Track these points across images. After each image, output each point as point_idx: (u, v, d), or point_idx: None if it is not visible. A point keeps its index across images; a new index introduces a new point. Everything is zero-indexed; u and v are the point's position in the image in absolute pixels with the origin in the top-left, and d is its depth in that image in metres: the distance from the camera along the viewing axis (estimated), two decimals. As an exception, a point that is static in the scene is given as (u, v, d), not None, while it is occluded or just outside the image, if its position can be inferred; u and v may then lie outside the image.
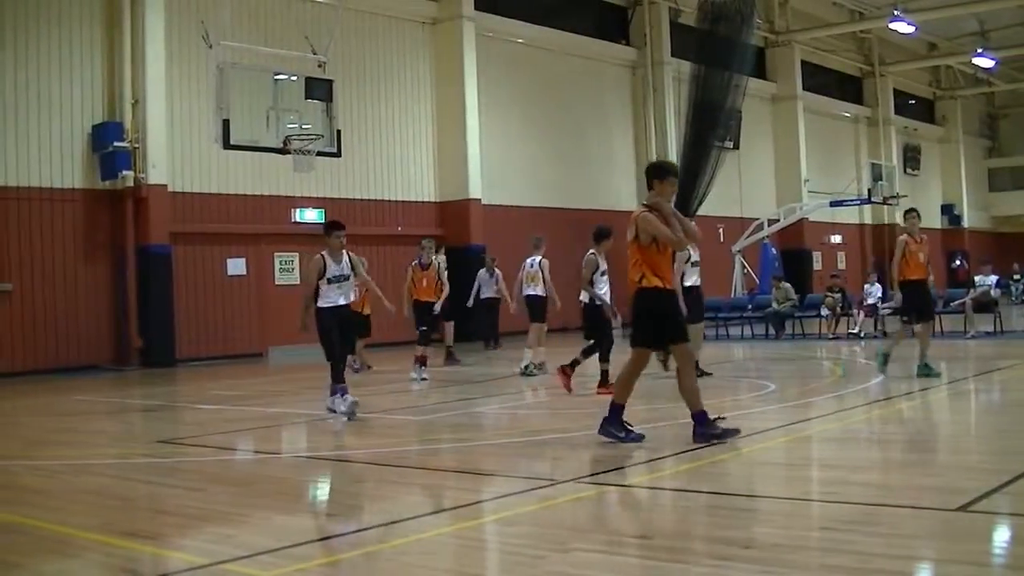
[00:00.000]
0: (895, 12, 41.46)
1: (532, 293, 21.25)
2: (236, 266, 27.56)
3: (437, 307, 21.39)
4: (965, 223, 61.08)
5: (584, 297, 16.85)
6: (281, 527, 7.73)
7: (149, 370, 24.69)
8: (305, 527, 7.71)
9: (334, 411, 13.68)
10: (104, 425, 15.30)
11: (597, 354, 16.56)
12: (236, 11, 25.29)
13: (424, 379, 19.58)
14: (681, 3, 39.57)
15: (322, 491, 9.79)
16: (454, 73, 32.52)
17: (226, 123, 21.93)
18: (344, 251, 14.13)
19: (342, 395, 13.71)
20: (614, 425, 10.59)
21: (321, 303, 13.85)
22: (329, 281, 13.81)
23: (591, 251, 16.67)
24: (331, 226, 14.29)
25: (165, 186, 25.81)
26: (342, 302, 14.04)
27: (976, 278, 28.69)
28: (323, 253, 13.95)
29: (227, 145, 22.32)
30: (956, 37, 52.74)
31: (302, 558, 6.76)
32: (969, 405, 14.84)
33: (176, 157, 26.42)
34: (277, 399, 17.49)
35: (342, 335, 14.21)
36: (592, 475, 9.11)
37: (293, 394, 18.44)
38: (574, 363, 16.60)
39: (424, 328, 20.54)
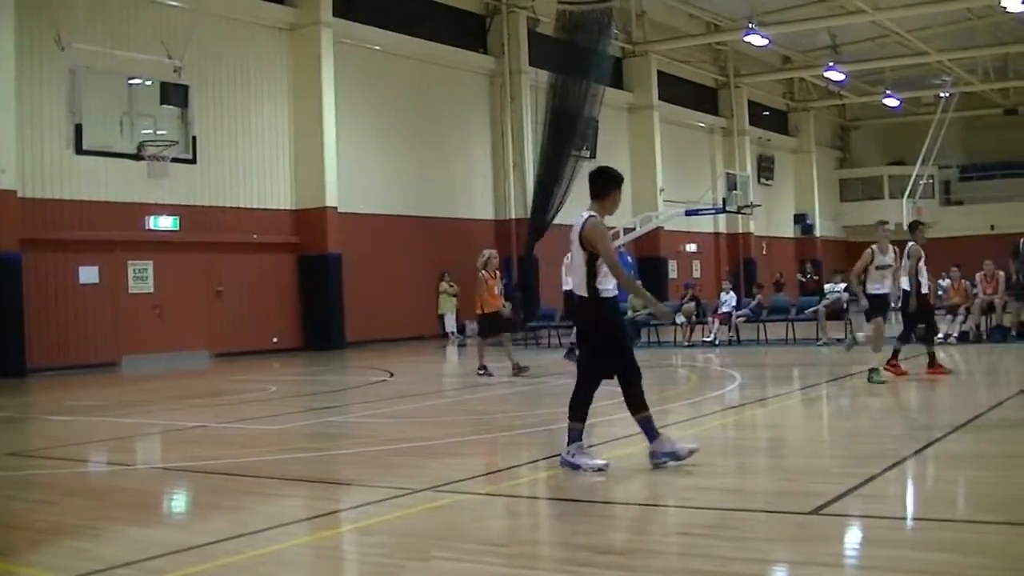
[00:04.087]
0: (750, 25, 42.06)
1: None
2: (89, 274, 26.96)
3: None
4: (817, 232, 62.27)
5: (906, 284, 16.84)
6: (136, 540, 7.62)
7: (-2, 380, 24.12)
8: (161, 539, 7.60)
9: (577, 466, 9.47)
10: (-49, 437, 14.91)
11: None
12: (89, 13, 24.81)
13: None
14: (539, 13, 39.78)
15: (178, 502, 9.66)
16: (312, 80, 32.26)
17: (79, 128, 21.59)
18: None
19: (580, 443, 9.64)
20: None
21: (604, 290, 9.66)
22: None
23: (911, 242, 16.84)
24: (616, 179, 9.98)
25: (14, 192, 25.08)
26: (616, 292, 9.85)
27: (826, 286, 29.31)
28: (594, 213, 9.73)
29: (80, 150, 21.97)
30: (809, 51, 53.69)
31: (158, 571, 6.68)
32: (821, 411, 15.15)
33: (26, 162, 25.70)
34: (131, 409, 17.15)
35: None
36: (450, 483, 9.12)
37: (148, 404, 18.13)
38: (895, 353, 16.89)
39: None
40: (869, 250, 16.56)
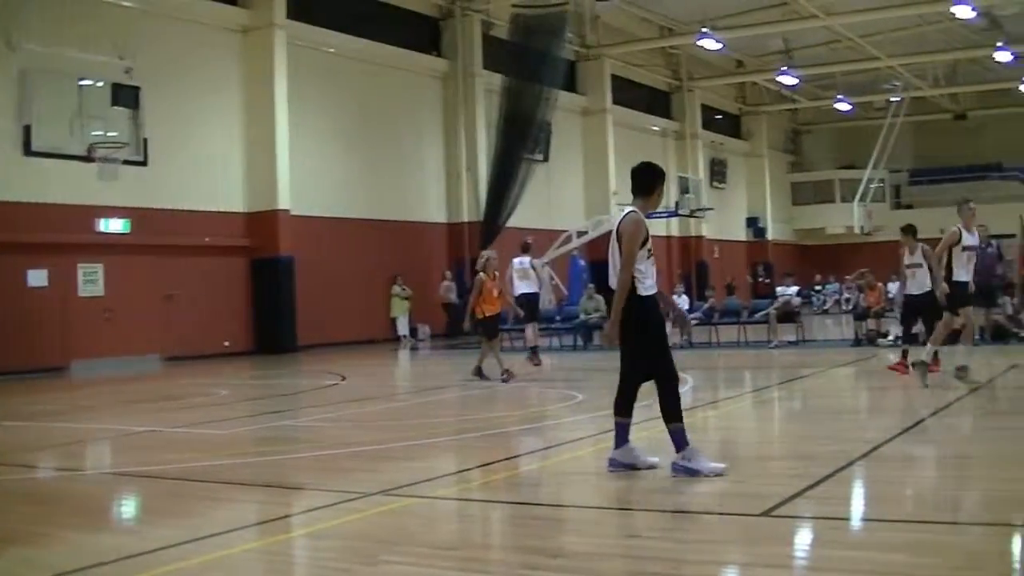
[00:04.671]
0: (703, 29, 42.28)
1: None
2: (37, 277, 26.65)
3: None
4: (769, 235, 62.64)
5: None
6: (85, 546, 7.56)
7: (-54, 384, 23.85)
8: (110, 545, 7.54)
9: (697, 471, 9.08)
10: (-103, 442, 14.75)
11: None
12: (40, 14, 24.59)
13: None
14: (493, 16, 39.80)
15: (127, 508, 9.59)
16: (265, 82, 32.13)
17: (27, 129, 21.43)
18: None
19: (688, 445, 9.24)
20: None
21: (644, 288, 9.39)
22: (650, 253, 9.58)
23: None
24: (660, 174, 9.86)
25: (-40, 194, 24.87)
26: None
27: (778, 289, 29.50)
28: (635, 209, 9.58)
29: (29, 151, 21.79)
30: (762, 55, 53.99)
31: (106, 577, 6.64)
32: (772, 413, 15.22)
33: (-27, 164, 25.47)
34: (82, 414, 17.06)
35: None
36: (401, 487, 9.09)
37: (98, 408, 18.02)
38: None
39: None
40: (956, 228, 15.22)
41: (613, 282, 9.35)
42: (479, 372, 19.64)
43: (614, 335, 9.27)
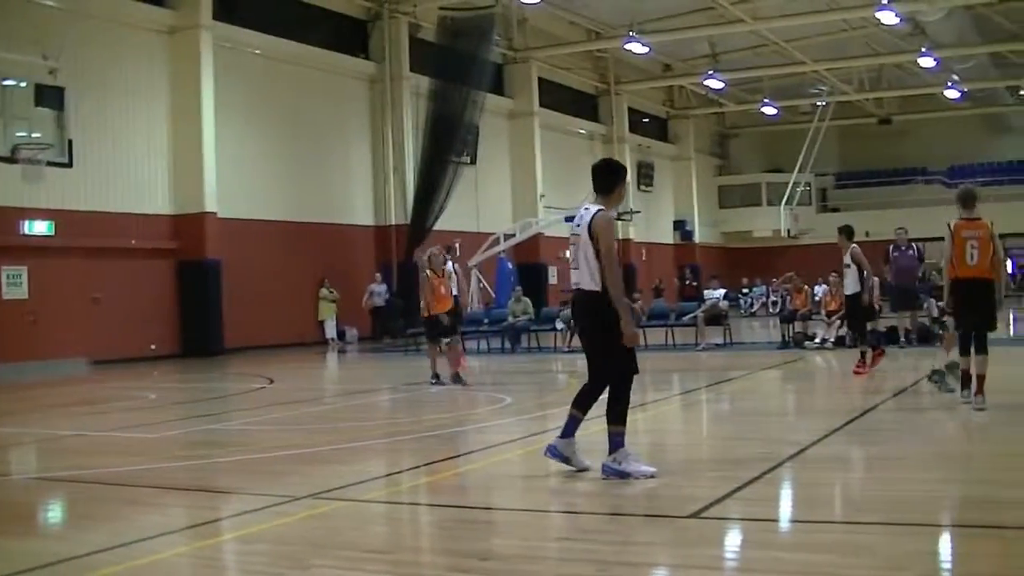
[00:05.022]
0: (630, 33, 42.49)
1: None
2: (-41, 280, 26.33)
3: None
4: (696, 238, 62.87)
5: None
6: (10, 552, 7.50)
7: None
8: (36, 550, 7.46)
9: (627, 474, 9.10)
10: None
11: None
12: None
13: None
14: (421, 18, 39.72)
15: (55, 513, 9.50)
16: (191, 84, 31.85)
17: (-53, 130, 21.17)
18: None
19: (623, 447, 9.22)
20: None
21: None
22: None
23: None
24: (621, 172, 9.80)
25: None
26: None
27: (705, 292, 29.71)
28: (601, 207, 9.37)
29: (-52, 153, 21.52)
30: (689, 59, 54.23)
31: (33, 583, 6.58)
32: (701, 415, 15.34)
33: None
34: (6, 418, 16.81)
35: None
36: (330, 491, 9.07)
37: (23, 412, 17.81)
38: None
39: None
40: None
41: (578, 280, 9.31)
42: (434, 378, 19.17)
43: (632, 332, 9.14)
